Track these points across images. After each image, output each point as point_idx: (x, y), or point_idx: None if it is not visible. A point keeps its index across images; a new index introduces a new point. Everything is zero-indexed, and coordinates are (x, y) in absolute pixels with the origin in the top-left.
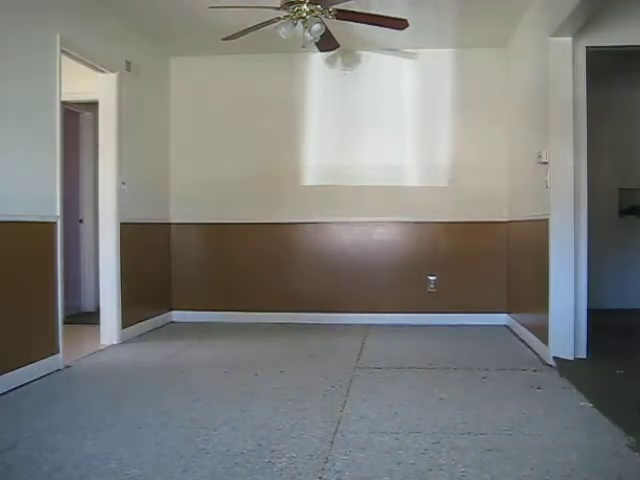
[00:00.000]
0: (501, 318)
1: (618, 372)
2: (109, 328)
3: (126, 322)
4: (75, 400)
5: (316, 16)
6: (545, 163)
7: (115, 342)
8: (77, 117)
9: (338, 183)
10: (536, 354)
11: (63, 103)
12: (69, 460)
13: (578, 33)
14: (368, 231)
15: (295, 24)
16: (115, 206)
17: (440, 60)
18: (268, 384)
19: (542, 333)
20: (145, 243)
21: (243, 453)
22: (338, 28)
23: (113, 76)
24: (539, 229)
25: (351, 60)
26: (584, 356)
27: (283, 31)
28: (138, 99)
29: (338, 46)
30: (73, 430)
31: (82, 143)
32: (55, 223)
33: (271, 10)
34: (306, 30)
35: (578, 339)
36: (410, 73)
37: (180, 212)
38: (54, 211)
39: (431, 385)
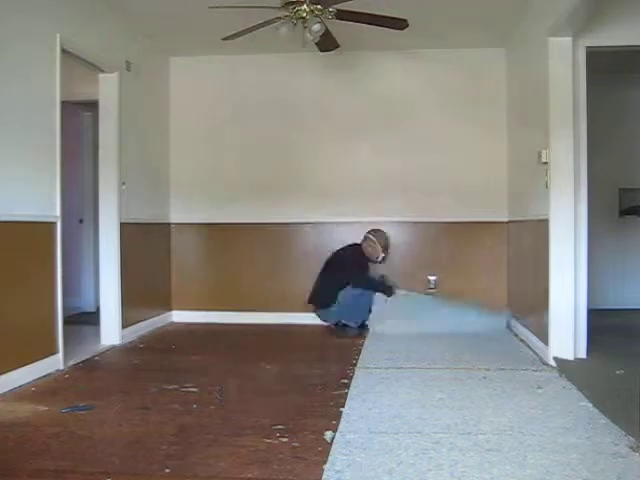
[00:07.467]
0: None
1: (618, 372)
2: (109, 328)
3: (126, 322)
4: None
5: (316, 16)
6: (545, 163)
7: (115, 342)
8: (77, 117)
9: (338, 183)
10: (536, 354)
11: (63, 103)
12: None
13: (578, 33)
14: None
15: (295, 24)
16: (115, 206)
17: (440, 60)
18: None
19: (542, 333)
20: (145, 243)
21: None
22: (338, 28)
23: (113, 76)
24: (539, 229)
25: (351, 60)
26: (584, 356)
27: (283, 31)
28: (138, 99)
29: (338, 46)
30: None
31: (82, 143)
32: (55, 223)
33: (271, 10)
34: (306, 30)
35: (578, 339)
36: (410, 73)
37: (180, 212)
38: (54, 211)
39: (431, 385)
